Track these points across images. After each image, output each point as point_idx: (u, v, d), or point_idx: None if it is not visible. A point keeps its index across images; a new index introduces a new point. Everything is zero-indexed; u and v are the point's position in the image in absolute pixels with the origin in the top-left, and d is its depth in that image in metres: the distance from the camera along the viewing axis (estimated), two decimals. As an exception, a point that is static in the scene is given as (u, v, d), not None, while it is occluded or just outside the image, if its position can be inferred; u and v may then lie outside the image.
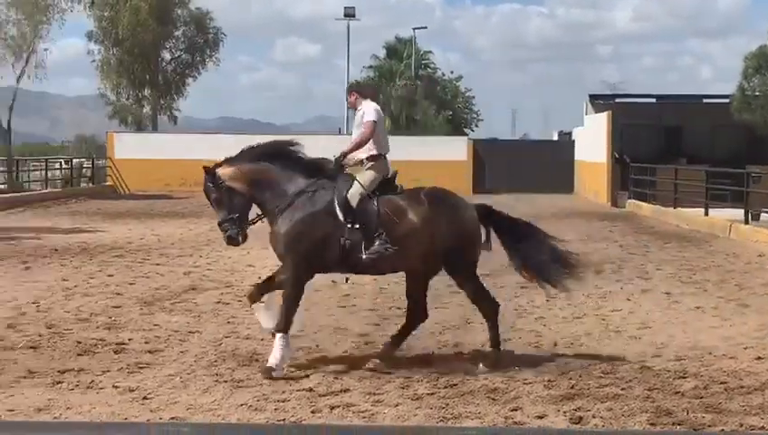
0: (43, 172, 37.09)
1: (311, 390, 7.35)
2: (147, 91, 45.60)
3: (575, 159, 38.90)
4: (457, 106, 62.97)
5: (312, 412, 6.77)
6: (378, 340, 9.15)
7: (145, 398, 7.10)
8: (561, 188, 36.43)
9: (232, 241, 8.26)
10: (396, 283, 12.83)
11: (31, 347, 8.74)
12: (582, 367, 8.13)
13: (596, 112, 35.74)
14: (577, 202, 33.27)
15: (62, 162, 41.50)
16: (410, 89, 54.08)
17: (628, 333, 9.71)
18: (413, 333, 8.60)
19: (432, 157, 36.62)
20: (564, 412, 6.83)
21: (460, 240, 8.33)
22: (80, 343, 8.96)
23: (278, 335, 7.89)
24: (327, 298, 11.66)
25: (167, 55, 46.53)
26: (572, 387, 7.50)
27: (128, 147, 39.56)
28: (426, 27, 74.13)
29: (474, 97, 64.49)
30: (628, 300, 11.84)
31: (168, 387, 7.43)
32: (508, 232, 8.67)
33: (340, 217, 8.12)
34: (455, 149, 39.43)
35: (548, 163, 38.19)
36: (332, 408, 6.88)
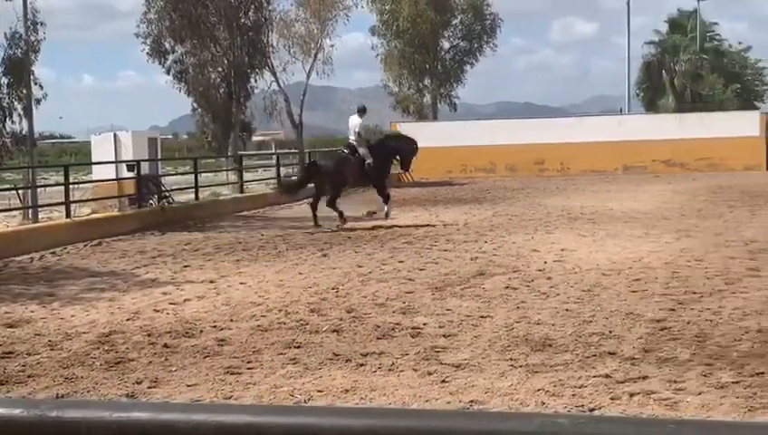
0: (333, 163, 38.96)
1: (607, 376, 7.22)
2: (427, 81, 46.61)
3: None
4: (746, 79, 59.63)
5: (612, 399, 6.66)
6: (673, 325, 8.90)
7: (443, 381, 7.28)
8: None
9: None
10: (689, 267, 12.40)
11: (334, 331, 9.20)
12: None
13: None
14: None
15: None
16: (695, 63, 51.88)
17: None
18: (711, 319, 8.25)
19: (719, 134, 34.77)
20: None
21: None
22: (378, 326, 9.32)
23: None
24: (616, 283, 11.46)
25: (445, 44, 47.31)
26: None
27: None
28: (710, -3, 70.69)
29: (765, 68, 60.84)
30: None
31: (464, 371, 7.59)
32: None
33: None
34: (745, 125, 37.23)
35: None
36: (632, 395, 6.73)
